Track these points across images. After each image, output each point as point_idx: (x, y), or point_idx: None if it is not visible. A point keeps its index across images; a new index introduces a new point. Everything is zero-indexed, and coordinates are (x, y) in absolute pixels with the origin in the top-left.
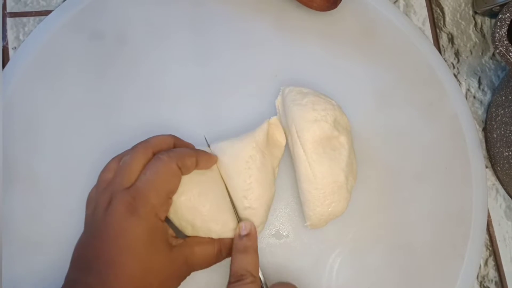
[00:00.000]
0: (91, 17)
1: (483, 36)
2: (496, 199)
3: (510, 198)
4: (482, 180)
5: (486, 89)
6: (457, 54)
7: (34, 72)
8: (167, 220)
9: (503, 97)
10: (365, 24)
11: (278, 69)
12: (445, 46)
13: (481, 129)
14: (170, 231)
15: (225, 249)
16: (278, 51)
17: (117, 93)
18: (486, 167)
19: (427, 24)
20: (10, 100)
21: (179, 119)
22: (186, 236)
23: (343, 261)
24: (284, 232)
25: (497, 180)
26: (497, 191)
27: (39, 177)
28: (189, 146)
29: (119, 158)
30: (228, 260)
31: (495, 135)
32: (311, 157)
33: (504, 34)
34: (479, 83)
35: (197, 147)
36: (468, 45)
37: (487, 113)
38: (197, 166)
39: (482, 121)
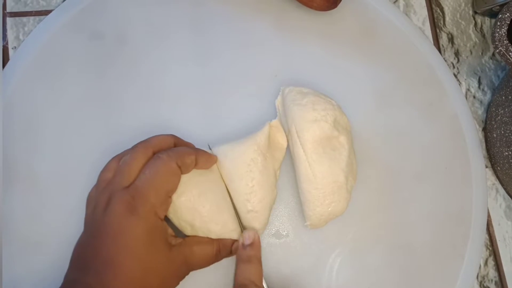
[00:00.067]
0: (91, 17)
1: (483, 36)
2: (496, 199)
3: (510, 198)
4: (482, 180)
5: (486, 89)
6: (457, 54)
7: (34, 72)
8: (167, 219)
9: (503, 97)
10: (365, 24)
11: (278, 69)
12: (445, 46)
13: (481, 129)
14: (170, 231)
15: (224, 249)
16: (278, 51)
17: (117, 93)
18: (486, 167)
19: (427, 24)
20: (10, 100)
21: (179, 119)
22: (185, 236)
23: (343, 261)
24: (284, 231)
25: (497, 180)
26: (497, 191)
27: (39, 177)
28: (189, 146)
29: (119, 157)
30: (227, 259)
31: (495, 135)
32: (311, 157)
33: (504, 34)
34: (479, 83)
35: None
36: (468, 45)
37: (487, 113)
38: (196, 165)
39: (482, 121)
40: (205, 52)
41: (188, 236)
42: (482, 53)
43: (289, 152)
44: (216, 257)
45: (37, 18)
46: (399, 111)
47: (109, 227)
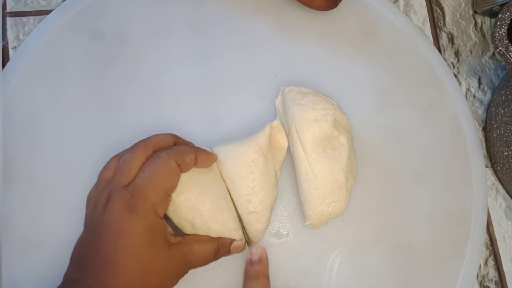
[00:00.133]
0: (91, 17)
1: (483, 35)
2: (496, 198)
3: (510, 198)
4: (482, 180)
5: (486, 88)
6: (457, 53)
7: (34, 72)
8: (166, 218)
9: (503, 97)
10: (365, 23)
11: (278, 69)
12: (445, 45)
13: (481, 128)
14: (169, 229)
15: (223, 247)
16: (278, 51)
17: (117, 93)
18: (486, 166)
19: (427, 23)
20: (10, 100)
21: (179, 119)
22: (184, 234)
23: (343, 261)
24: (284, 231)
25: (497, 180)
26: (497, 190)
27: (39, 177)
28: (189, 145)
29: (119, 156)
30: (226, 259)
31: (495, 135)
32: (311, 156)
33: (504, 34)
34: (479, 82)
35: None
36: (468, 45)
37: (487, 112)
38: (196, 164)
39: (482, 121)
40: (205, 52)
41: (187, 234)
42: (482, 53)
43: (289, 151)
44: (215, 256)
45: (37, 18)
46: (399, 111)
47: (109, 226)
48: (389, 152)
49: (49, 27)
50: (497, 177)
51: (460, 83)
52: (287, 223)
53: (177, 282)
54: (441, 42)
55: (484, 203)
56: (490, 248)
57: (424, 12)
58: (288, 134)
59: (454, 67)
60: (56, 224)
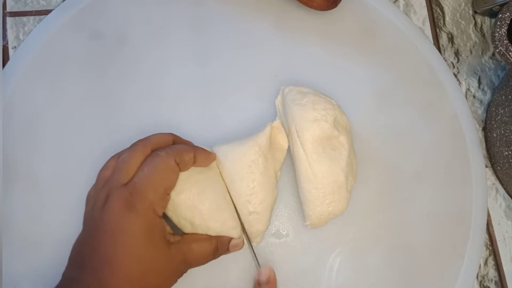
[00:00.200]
0: (91, 16)
1: (483, 35)
2: (496, 198)
3: (510, 198)
4: (482, 179)
5: (486, 88)
6: (457, 53)
7: (34, 71)
8: (165, 217)
9: (503, 97)
10: (365, 23)
11: (278, 69)
12: (445, 45)
13: (481, 128)
14: (168, 228)
15: (222, 246)
16: (278, 51)
17: (117, 93)
18: (486, 166)
19: (427, 23)
20: (10, 99)
21: (179, 119)
22: (184, 234)
23: (343, 261)
24: (284, 231)
25: (497, 180)
26: (497, 190)
27: (39, 177)
28: (188, 144)
29: (118, 156)
30: (226, 259)
31: (495, 135)
32: (311, 156)
33: (504, 34)
34: (479, 82)
35: None
36: (468, 45)
37: (487, 112)
38: (195, 163)
39: (482, 121)
40: (205, 52)
41: (186, 234)
42: (482, 53)
43: (289, 151)
44: (214, 255)
45: (37, 17)
46: (399, 111)
47: (107, 224)
48: (389, 152)
49: (49, 27)
50: (497, 177)
51: (460, 83)
52: (287, 223)
53: (176, 281)
54: (441, 42)
55: (484, 203)
56: (490, 248)
57: (424, 12)
58: (288, 134)
59: (454, 67)
60: (56, 223)
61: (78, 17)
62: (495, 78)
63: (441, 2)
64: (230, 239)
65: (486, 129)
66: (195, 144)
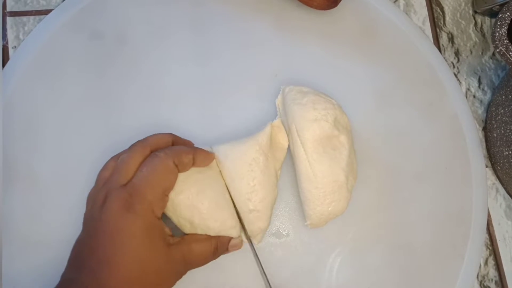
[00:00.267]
0: (91, 16)
1: (483, 35)
2: (496, 198)
3: (510, 198)
4: (482, 179)
5: (486, 88)
6: (457, 53)
7: (34, 71)
8: (165, 217)
9: (503, 96)
10: (365, 23)
11: (278, 69)
12: (445, 45)
13: (481, 128)
14: (167, 230)
15: (221, 246)
16: (278, 50)
17: (117, 93)
18: (486, 166)
19: (427, 23)
20: (10, 99)
21: (179, 119)
22: (183, 234)
23: (343, 261)
24: (284, 231)
25: (497, 180)
26: (497, 190)
27: (39, 177)
28: (187, 144)
29: (117, 157)
30: (226, 259)
31: (495, 134)
32: (312, 156)
33: (504, 34)
34: (479, 82)
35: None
36: (468, 45)
37: (487, 112)
38: (194, 163)
39: (482, 121)
40: (205, 52)
41: (186, 234)
42: (482, 53)
43: (289, 151)
44: (214, 255)
45: (37, 17)
46: (399, 111)
47: (106, 225)
48: (389, 152)
49: (49, 27)
50: (497, 177)
51: (460, 83)
52: (287, 223)
53: (175, 283)
54: (441, 42)
55: (484, 203)
56: (490, 248)
57: (424, 11)
58: (288, 134)
59: (454, 67)
60: (56, 223)
61: (78, 17)
62: (495, 78)
63: (441, 2)
64: (230, 239)
65: (486, 129)
66: (195, 144)
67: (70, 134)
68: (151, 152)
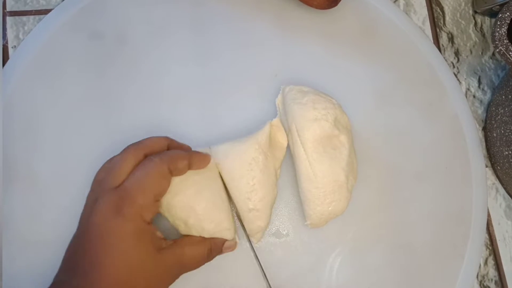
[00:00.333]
0: (91, 16)
1: (483, 35)
2: (496, 198)
3: (510, 197)
4: (482, 179)
5: (486, 88)
6: (457, 53)
7: (33, 71)
8: (162, 218)
9: (503, 96)
10: (365, 23)
11: (278, 69)
12: (445, 45)
13: (481, 128)
14: (158, 233)
15: (216, 248)
16: (278, 50)
17: (117, 93)
18: (486, 166)
19: (427, 23)
20: (10, 99)
21: (179, 119)
22: (177, 236)
23: (343, 261)
24: (284, 231)
25: (497, 179)
26: (497, 190)
27: (39, 177)
28: (184, 148)
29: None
30: (226, 259)
31: (495, 134)
32: (312, 156)
33: (504, 33)
34: (479, 82)
35: (196, 148)
36: (468, 45)
37: (487, 112)
38: (190, 167)
39: (482, 120)
40: (205, 52)
41: (179, 238)
42: (482, 53)
43: (289, 151)
44: (208, 257)
45: (37, 17)
46: (399, 111)
47: (95, 228)
48: (389, 151)
49: (48, 27)
50: (497, 176)
51: (460, 83)
52: (287, 223)
53: (167, 286)
54: (441, 41)
55: (484, 202)
56: (490, 247)
57: (424, 11)
58: (289, 133)
59: (454, 66)
60: (55, 223)
61: (78, 16)
62: (495, 78)
63: (441, 1)
64: (224, 241)
65: (486, 129)
66: (195, 144)
67: (70, 134)
68: (145, 155)
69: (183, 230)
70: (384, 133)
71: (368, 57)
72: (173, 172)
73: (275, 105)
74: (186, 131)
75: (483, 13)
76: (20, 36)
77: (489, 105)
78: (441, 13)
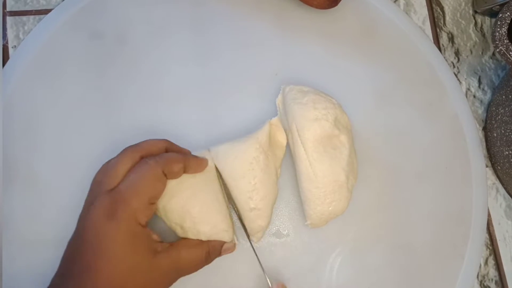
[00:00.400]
0: (91, 16)
1: (483, 35)
2: (496, 198)
3: (510, 197)
4: (482, 179)
5: (486, 88)
6: (457, 53)
7: (34, 71)
8: (159, 221)
9: (503, 96)
10: (366, 23)
11: (278, 69)
12: (445, 45)
13: (481, 128)
14: (155, 236)
15: (214, 251)
16: (278, 50)
17: (117, 92)
18: (486, 166)
19: (427, 23)
20: (10, 99)
21: (179, 119)
22: (175, 239)
23: (343, 261)
24: (285, 231)
25: (497, 179)
26: (497, 190)
27: (39, 177)
28: (182, 151)
29: None
30: (226, 259)
31: (495, 134)
32: (312, 155)
33: (504, 33)
34: (479, 82)
35: (196, 149)
36: (468, 45)
37: (487, 112)
38: (186, 171)
39: (482, 120)
40: (205, 52)
41: (176, 240)
42: (482, 53)
43: (290, 150)
44: (206, 261)
45: (37, 17)
46: (399, 111)
47: (89, 231)
48: (389, 151)
49: (49, 26)
50: (497, 176)
51: (460, 83)
52: (288, 223)
53: None
54: (441, 41)
55: (484, 202)
56: (490, 247)
57: (424, 11)
58: (289, 133)
59: (454, 66)
60: (55, 223)
61: (78, 16)
62: (495, 78)
63: (441, 1)
64: (222, 243)
65: (486, 129)
66: (195, 144)
67: (70, 134)
68: (141, 158)
69: (180, 233)
70: (384, 133)
71: (368, 57)
72: (168, 175)
73: (275, 105)
74: (186, 131)
75: (483, 13)
76: (20, 36)
77: (489, 105)
78: (441, 13)
